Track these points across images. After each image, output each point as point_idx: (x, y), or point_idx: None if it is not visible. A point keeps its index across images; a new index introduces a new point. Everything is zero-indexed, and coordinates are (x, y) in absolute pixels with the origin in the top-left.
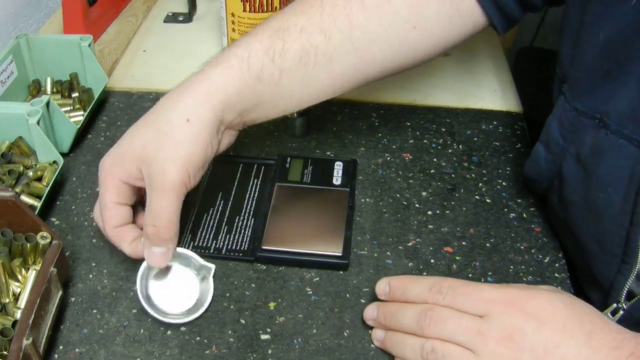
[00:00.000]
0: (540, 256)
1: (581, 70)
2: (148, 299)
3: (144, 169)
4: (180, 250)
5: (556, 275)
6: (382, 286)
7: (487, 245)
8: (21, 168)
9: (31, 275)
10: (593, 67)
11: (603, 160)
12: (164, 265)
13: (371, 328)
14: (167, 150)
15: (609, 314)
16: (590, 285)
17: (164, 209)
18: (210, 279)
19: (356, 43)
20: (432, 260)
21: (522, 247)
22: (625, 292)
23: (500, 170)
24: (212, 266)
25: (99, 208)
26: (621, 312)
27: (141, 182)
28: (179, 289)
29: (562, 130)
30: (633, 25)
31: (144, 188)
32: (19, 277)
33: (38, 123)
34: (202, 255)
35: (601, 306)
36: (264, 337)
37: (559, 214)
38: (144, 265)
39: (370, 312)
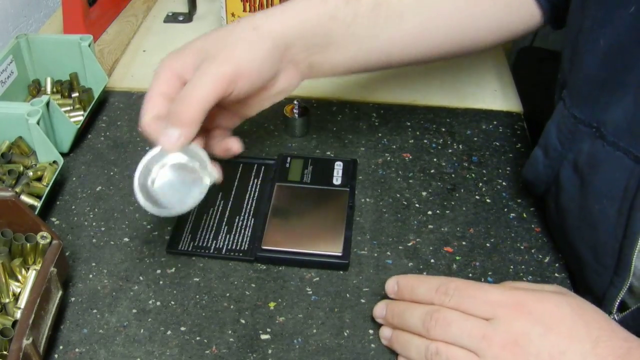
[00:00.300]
0: (540, 256)
1: (580, 77)
2: (144, 187)
3: (199, 59)
4: (195, 148)
5: (556, 275)
6: (392, 284)
7: (487, 245)
8: (21, 168)
9: (31, 275)
10: (592, 75)
11: (599, 171)
12: (172, 149)
13: (372, 328)
14: (225, 45)
15: None
16: (583, 293)
17: (195, 91)
18: (206, 185)
19: (426, 4)
20: (432, 260)
21: (522, 247)
22: (617, 303)
23: (500, 170)
24: (215, 176)
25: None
26: None
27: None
28: (176, 186)
29: (560, 137)
30: (631, 33)
31: None
32: (19, 277)
33: (38, 123)
34: (202, 255)
35: None
36: (264, 337)
37: (555, 220)
38: (150, 153)
39: (379, 310)
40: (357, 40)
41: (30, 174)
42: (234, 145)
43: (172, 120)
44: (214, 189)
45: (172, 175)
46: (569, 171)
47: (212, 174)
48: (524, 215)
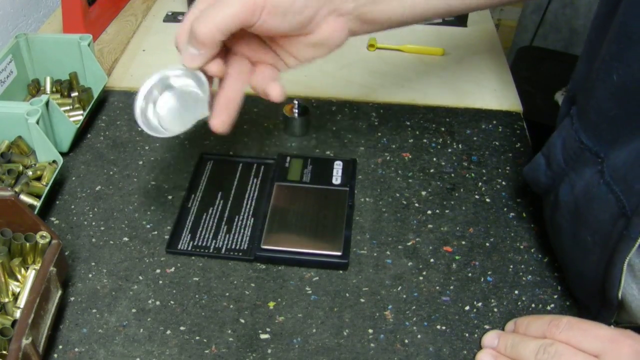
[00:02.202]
0: (540, 255)
1: (590, 105)
2: (144, 110)
3: None
4: (202, 77)
5: (556, 274)
6: (491, 339)
7: (487, 244)
8: (20, 167)
9: (30, 274)
10: (602, 108)
11: (592, 206)
12: (192, 66)
13: (371, 327)
14: None
15: None
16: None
17: (214, 12)
18: (204, 114)
19: None
20: (432, 260)
21: (521, 247)
22: (611, 323)
23: (499, 170)
24: (207, 113)
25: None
26: None
27: None
28: (176, 110)
29: (565, 156)
30: None
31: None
32: (19, 276)
33: (37, 122)
34: (202, 255)
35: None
36: (263, 336)
37: (549, 230)
38: (154, 77)
39: (490, 340)
40: None
41: (30, 173)
42: (274, 92)
43: (190, 39)
44: (213, 189)
45: (174, 99)
46: (568, 191)
47: (207, 108)
48: (524, 214)
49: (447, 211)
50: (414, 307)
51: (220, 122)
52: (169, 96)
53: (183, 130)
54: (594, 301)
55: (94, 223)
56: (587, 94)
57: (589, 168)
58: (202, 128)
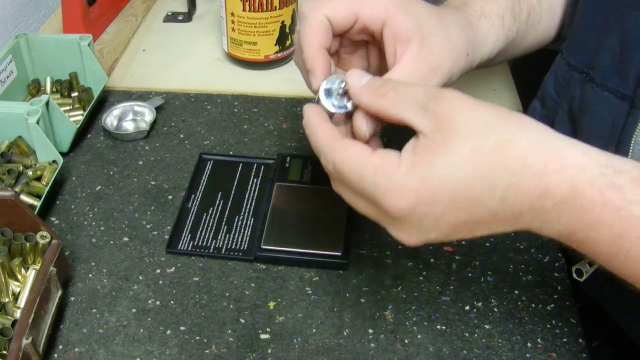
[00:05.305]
0: (540, 255)
1: (577, 25)
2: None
3: None
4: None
5: (556, 274)
6: None
7: (487, 244)
8: (21, 167)
9: (31, 274)
10: (587, 21)
11: (589, 113)
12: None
13: (371, 327)
14: None
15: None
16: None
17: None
18: None
19: (551, 6)
20: (432, 260)
21: (521, 247)
22: None
23: None
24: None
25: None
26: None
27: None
28: None
29: (556, 85)
30: None
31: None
32: (19, 276)
33: (37, 122)
34: (202, 255)
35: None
36: (263, 336)
37: None
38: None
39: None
40: (510, 49)
41: (30, 173)
42: None
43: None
44: (213, 189)
45: None
46: (564, 118)
47: None
48: None
49: None
50: (414, 307)
51: None
52: None
53: None
54: None
55: (94, 223)
56: (575, 17)
57: (577, 87)
58: (202, 128)
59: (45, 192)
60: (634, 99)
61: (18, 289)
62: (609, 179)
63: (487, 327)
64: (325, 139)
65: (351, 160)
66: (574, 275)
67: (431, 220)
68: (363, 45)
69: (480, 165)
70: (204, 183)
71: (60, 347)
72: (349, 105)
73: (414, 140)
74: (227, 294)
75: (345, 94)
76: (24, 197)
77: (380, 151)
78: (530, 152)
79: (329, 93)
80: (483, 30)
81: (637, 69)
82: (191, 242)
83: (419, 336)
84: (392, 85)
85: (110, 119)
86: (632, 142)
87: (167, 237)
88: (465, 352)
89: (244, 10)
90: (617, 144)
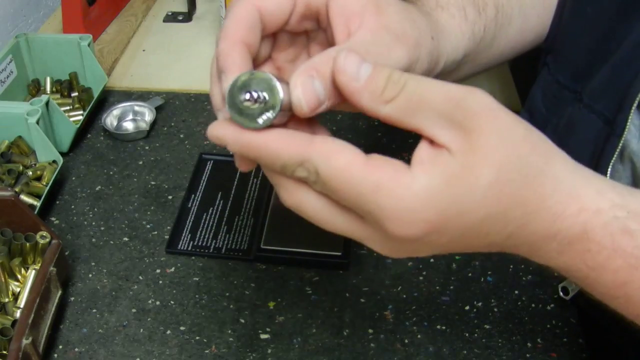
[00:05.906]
0: None
1: (566, 43)
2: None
3: None
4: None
5: (556, 274)
6: None
7: None
8: (21, 167)
9: (30, 274)
10: (577, 42)
11: (574, 133)
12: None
13: (371, 327)
14: None
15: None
16: None
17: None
18: None
19: (525, 5)
20: (432, 260)
21: None
22: None
23: None
24: None
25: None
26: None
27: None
28: None
29: (545, 101)
30: (614, 1)
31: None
32: (19, 276)
33: (37, 122)
34: (202, 255)
35: None
36: (263, 336)
37: None
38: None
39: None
40: (481, 51)
41: (30, 173)
42: None
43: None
44: (213, 189)
45: None
46: (550, 135)
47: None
48: None
49: None
50: (414, 307)
51: None
52: None
53: None
54: None
55: (94, 223)
56: (563, 33)
57: (567, 106)
58: (202, 128)
59: (45, 192)
60: (613, 124)
61: (18, 289)
62: (622, 223)
63: (487, 327)
64: (296, 147)
65: (344, 170)
66: (560, 294)
67: (431, 246)
68: (305, 48)
69: (502, 203)
70: (204, 183)
71: (60, 347)
72: (273, 113)
73: (431, 152)
74: (227, 294)
75: (270, 92)
76: (24, 197)
77: (379, 161)
78: (551, 194)
79: (238, 95)
80: (442, 21)
81: (621, 93)
82: (191, 242)
83: (419, 336)
84: (401, 85)
85: (110, 119)
86: (610, 169)
87: (167, 237)
88: (465, 352)
89: None
90: (595, 169)
